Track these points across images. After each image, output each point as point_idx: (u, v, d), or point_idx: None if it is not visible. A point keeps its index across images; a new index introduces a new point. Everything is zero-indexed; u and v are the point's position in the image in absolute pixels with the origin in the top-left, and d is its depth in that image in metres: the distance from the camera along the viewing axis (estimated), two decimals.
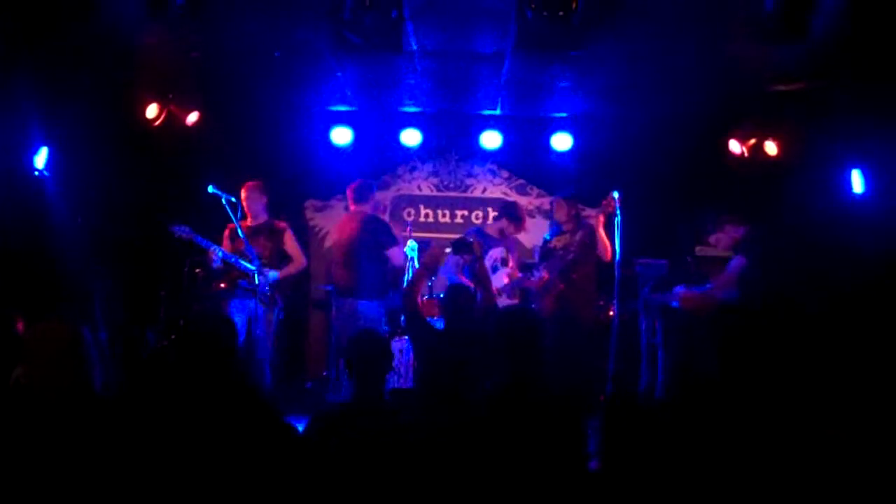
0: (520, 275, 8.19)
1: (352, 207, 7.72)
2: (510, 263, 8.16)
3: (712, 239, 7.38)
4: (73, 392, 3.51)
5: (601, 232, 7.57)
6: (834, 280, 7.60)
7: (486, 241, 8.06)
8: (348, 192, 7.82)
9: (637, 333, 7.93)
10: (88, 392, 3.56)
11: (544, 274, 7.80)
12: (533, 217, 9.89)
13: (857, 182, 8.25)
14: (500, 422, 3.83)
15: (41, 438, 3.32)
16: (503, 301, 7.79)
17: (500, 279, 7.96)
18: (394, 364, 7.75)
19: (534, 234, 9.58)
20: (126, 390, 3.95)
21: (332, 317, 7.88)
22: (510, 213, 8.29)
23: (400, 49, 6.79)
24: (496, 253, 8.09)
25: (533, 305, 7.82)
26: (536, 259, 8.38)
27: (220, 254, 7.38)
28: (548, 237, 8.21)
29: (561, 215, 8.01)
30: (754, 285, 6.80)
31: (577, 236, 7.67)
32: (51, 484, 3.24)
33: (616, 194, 7.20)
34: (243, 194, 7.63)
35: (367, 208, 7.69)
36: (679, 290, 7.44)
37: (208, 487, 3.30)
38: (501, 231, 8.18)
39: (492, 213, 10.19)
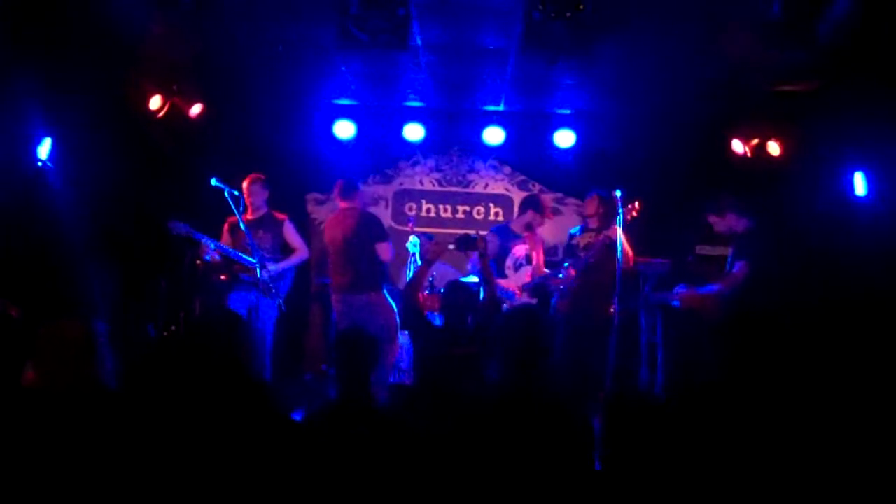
0: (546, 271, 8.02)
1: (341, 205, 7.73)
2: (534, 260, 8.00)
3: (711, 218, 7.35)
4: (86, 389, 3.52)
5: (623, 238, 7.50)
6: (835, 282, 7.61)
7: (511, 238, 8.02)
8: (335, 191, 7.84)
9: (637, 332, 7.93)
10: (101, 388, 3.57)
11: (571, 271, 7.68)
12: None
13: (860, 184, 8.23)
14: (502, 420, 3.83)
15: (58, 436, 3.33)
16: (526, 299, 7.77)
17: (523, 277, 7.92)
18: (396, 359, 7.80)
19: (547, 229, 9.51)
20: (130, 384, 3.95)
21: (333, 312, 7.87)
22: (535, 204, 8.23)
23: (406, 46, 6.79)
24: (520, 250, 8.02)
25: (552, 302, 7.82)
26: (561, 256, 8.34)
27: (213, 246, 7.38)
28: (572, 234, 8.11)
29: (589, 210, 7.88)
30: (756, 287, 6.81)
31: (600, 238, 7.58)
32: (66, 479, 3.25)
33: (618, 193, 7.14)
34: (245, 187, 7.63)
35: (356, 204, 7.72)
36: (680, 289, 7.45)
37: (213, 482, 3.31)
38: (529, 225, 8.08)
39: (493, 209, 10.22)
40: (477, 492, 3.59)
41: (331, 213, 9.99)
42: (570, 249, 7.98)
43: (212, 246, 7.38)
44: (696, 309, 7.25)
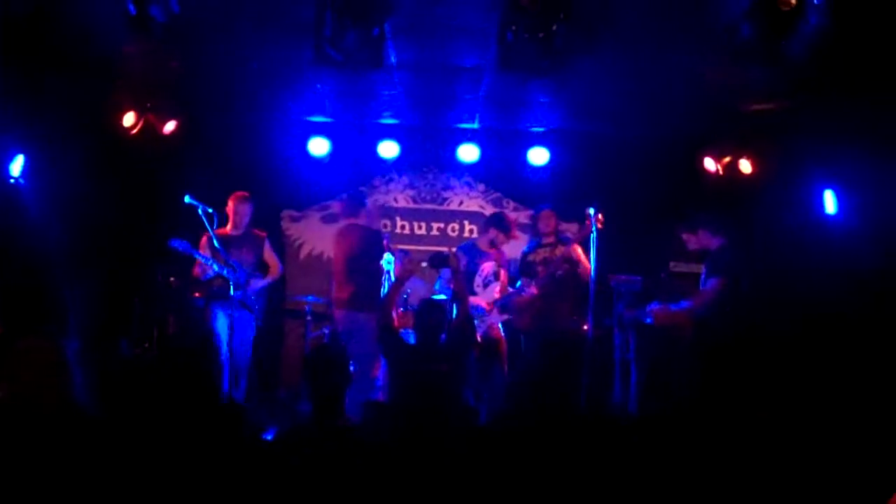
0: (510, 289, 8.02)
1: (344, 221, 7.76)
2: (501, 277, 8.02)
3: (684, 235, 7.40)
4: (57, 406, 3.51)
5: (580, 252, 7.54)
6: (805, 299, 7.68)
7: (478, 256, 8.03)
8: (339, 207, 7.87)
9: (611, 349, 7.95)
10: (72, 405, 3.56)
11: (533, 290, 7.69)
12: None
13: (830, 202, 8.31)
14: (476, 440, 3.85)
15: (28, 455, 3.31)
16: (496, 316, 7.78)
17: (493, 294, 7.93)
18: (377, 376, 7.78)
19: (514, 247, 9.56)
20: (102, 402, 3.93)
21: (328, 330, 7.83)
22: (498, 222, 8.23)
23: (381, 65, 6.82)
24: (488, 267, 8.02)
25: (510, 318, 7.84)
26: (515, 273, 8.35)
27: (217, 268, 7.34)
28: (526, 250, 8.15)
29: (548, 227, 7.93)
30: (728, 304, 6.86)
31: (558, 252, 7.63)
32: (33, 496, 3.23)
33: (591, 210, 7.14)
34: (231, 204, 7.64)
35: (361, 220, 7.76)
36: (653, 306, 7.48)
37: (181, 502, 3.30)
38: (492, 242, 8.09)
39: (468, 226, 10.22)
40: None
41: (305, 229, 10.06)
42: (527, 266, 7.99)
43: (211, 265, 7.33)
44: (670, 326, 7.28)
